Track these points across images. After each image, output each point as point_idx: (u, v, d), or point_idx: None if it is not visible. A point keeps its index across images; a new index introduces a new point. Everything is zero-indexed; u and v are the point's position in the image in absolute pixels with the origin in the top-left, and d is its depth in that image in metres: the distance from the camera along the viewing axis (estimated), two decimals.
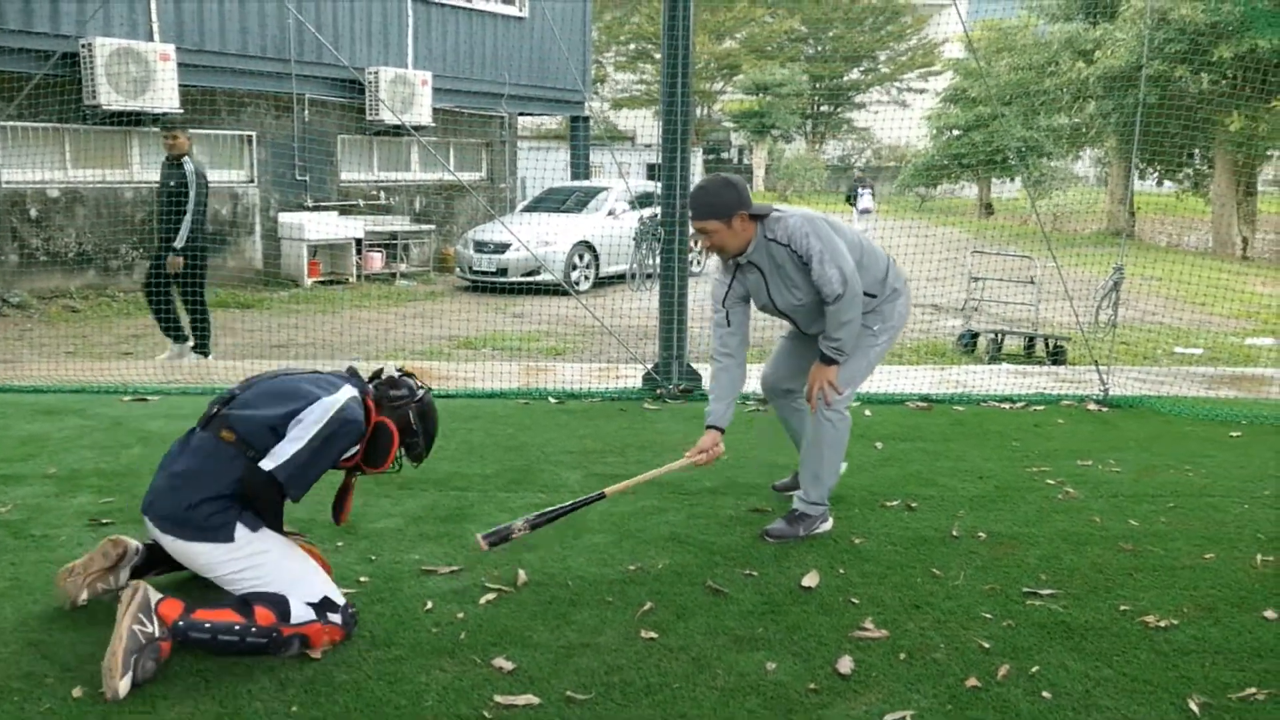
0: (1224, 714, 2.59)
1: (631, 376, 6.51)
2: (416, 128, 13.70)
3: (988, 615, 3.14)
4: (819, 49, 41.46)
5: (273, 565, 2.82)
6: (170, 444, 3.00)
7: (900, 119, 29.85)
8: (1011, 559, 3.61)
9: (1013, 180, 28.49)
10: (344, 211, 13.68)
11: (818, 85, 40.80)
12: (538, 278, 12.27)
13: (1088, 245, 16.52)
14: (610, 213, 13.68)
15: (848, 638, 2.98)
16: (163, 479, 2.86)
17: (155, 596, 2.69)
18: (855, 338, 3.63)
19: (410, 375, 3.17)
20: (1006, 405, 6.06)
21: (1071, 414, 5.89)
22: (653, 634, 2.98)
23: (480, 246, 12.98)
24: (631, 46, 38.19)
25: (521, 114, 17.02)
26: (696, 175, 27.54)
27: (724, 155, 43.00)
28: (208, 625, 2.68)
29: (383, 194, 14.60)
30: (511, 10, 15.57)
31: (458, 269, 13.47)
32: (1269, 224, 21.87)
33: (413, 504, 4.05)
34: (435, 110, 14.17)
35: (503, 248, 12.61)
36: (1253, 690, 2.70)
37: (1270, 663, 2.86)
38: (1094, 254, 10.47)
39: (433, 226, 14.74)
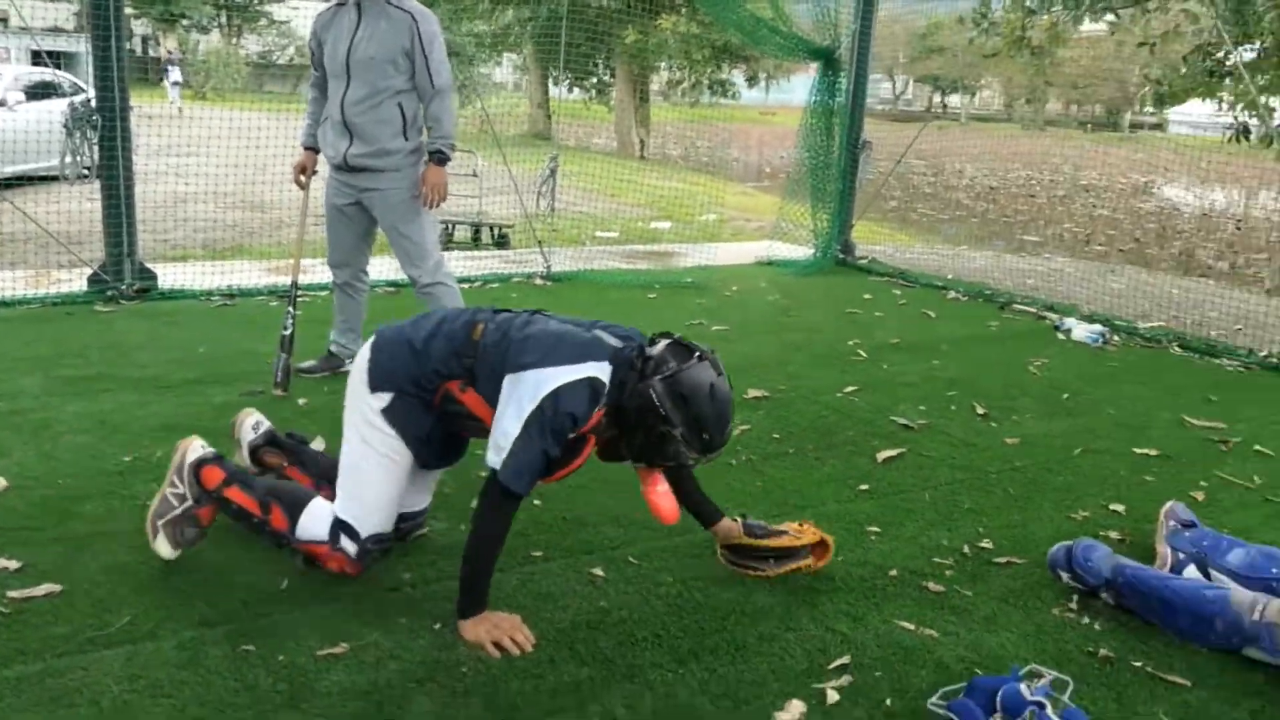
0: None
1: (71, 280, 5.95)
2: None
3: None
4: None
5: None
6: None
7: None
8: None
9: None
10: None
11: None
12: None
13: (513, 146, 17.84)
14: (1, 103, 11.83)
15: None
16: None
17: (195, 457, 2.67)
18: (455, 133, 4.07)
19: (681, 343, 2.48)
20: (465, 285, 6.60)
21: (523, 288, 6.63)
22: None
23: None
24: None
25: None
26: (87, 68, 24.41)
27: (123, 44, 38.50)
28: (234, 506, 2.65)
29: None
30: None
31: None
32: (659, 129, 25.21)
33: None
34: None
35: None
36: None
37: None
38: (522, 153, 11.50)
39: None
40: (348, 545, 2.56)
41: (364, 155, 4.01)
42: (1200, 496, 3.60)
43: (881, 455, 3.80)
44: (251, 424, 3.09)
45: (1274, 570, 2.76)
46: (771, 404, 4.38)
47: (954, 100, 48.16)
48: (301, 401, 4.06)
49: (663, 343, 2.48)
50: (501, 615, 2.42)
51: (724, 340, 5.45)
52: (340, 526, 2.57)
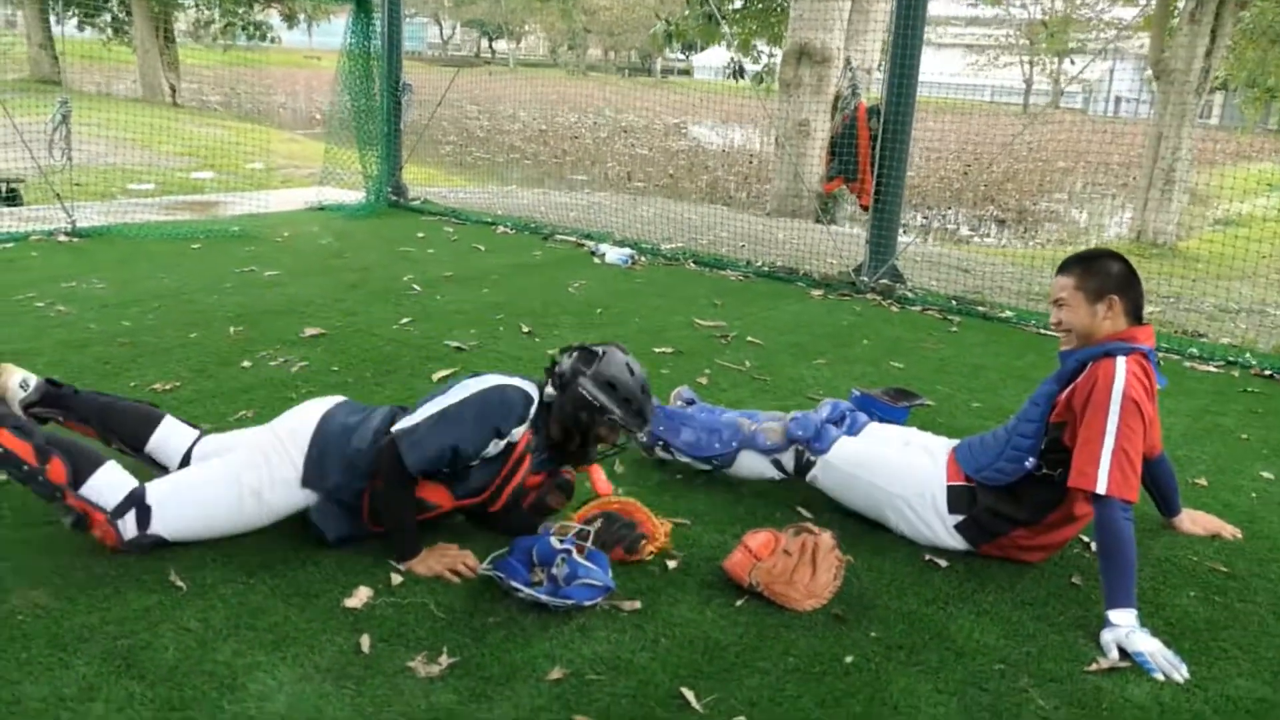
0: None
1: None
2: None
3: None
4: None
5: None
6: None
7: None
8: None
9: None
10: None
11: None
12: None
13: (14, 93, 15.71)
14: None
15: None
16: None
17: None
18: None
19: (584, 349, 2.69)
20: None
21: (44, 246, 6.07)
22: None
23: None
24: None
25: None
26: None
27: None
28: (1, 450, 2.39)
29: None
30: None
31: None
32: (194, 73, 23.36)
33: None
34: None
35: None
36: None
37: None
38: (26, 101, 10.18)
39: None
40: (127, 527, 2.48)
41: None
42: (704, 381, 4.30)
43: (437, 375, 4.10)
44: (18, 381, 2.79)
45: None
46: (329, 340, 4.51)
47: (501, 45, 49.31)
48: None
49: (565, 358, 2.67)
50: (444, 546, 2.61)
51: (276, 285, 5.44)
52: (137, 506, 2.48)
